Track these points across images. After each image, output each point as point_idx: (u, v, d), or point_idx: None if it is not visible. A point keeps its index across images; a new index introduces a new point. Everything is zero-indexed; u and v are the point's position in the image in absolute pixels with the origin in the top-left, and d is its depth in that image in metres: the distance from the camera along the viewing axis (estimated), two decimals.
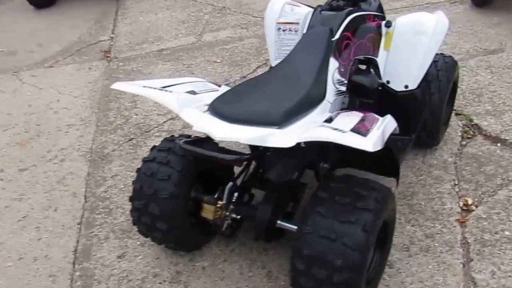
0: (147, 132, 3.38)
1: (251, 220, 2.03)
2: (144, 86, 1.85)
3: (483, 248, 2.20)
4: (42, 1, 5.97)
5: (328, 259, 1.64)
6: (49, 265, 2.39)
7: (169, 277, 2.24)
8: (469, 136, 2.93)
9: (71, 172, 3.06)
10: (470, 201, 2.46)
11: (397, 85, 2.34)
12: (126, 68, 4.37)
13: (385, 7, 4.76)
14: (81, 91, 4.03)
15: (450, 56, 2.68)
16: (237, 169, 2.21)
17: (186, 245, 2.27)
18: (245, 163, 2.20)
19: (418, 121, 2.43)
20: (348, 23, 2.17)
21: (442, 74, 2.51)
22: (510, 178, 2.57)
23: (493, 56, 3.69)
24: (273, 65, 2.55)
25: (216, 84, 2.13)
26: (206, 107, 1.85)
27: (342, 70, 2.15)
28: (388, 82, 2.35)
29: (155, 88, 1.85)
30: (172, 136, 2.27)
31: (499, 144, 2.82)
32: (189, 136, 2.13)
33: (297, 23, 2.47)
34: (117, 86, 1.85)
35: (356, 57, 2.25)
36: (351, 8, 2.25)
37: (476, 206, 2.44)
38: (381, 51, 2.33)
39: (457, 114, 3.12)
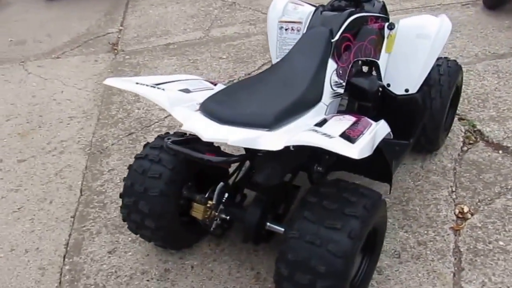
0: (147, 127, 3.38)
1: (240, 221, 2.01)
2: (137, 83, 1.83)
3: (475, 257, 2.16)
4: None
5: (312, 265, 1.61)
6: (40, 257, 2.39)
7: (157, 275, 2.23)
8: (470, 142, 2.88)
9: (69, 164, 3.07)
10: (466, 209, 2.41)
11: (398, 89, 2.30)
12: (132, 62, 4.37)
13: (396, 7, 4.75)
14: (85, 83, 4.04)
15: (454, 61, 2.63)
16: (232, 169, 2.20)
17: (176, 243, 2.26)
18: (238, 163, 2.18)
19: (417, 126, 2.39)
20: (349, 24, 2.13)
21: (445, 79, 2.46)
22: (509, 187, 2.52)
23: (502, 61, 3.62)
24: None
25: (212, 83, 2.10)
26: (198, 106, 1.83)
27: (341, 72, 2.11)
28: (388, 85, 2.31)
29: (147, 85, 1.82)
30: (168, 133, 2.25)
31: (500, 152, 2.76)
32: (183, 135, 2.11)
33: (299, 22, 2.43)
34: (109, 82, 1.83)
35: (356, 59, 2.20)
36: (353, 9, 2.21)
37: (472, 214, 2.39)
38: (383, 54, 2.29)
39: (460, 119, 3.07)
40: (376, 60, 2.27)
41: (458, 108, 3.12)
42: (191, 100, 1.84)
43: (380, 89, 2.31)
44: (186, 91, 1.89)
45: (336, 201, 1.70)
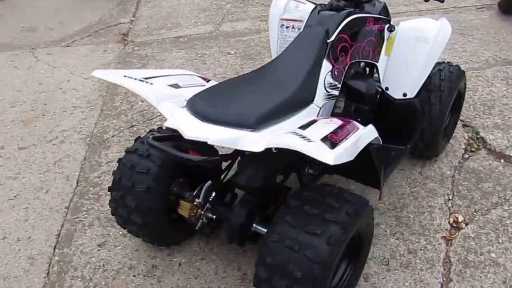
0: (149, 120, 3.37)
1: (226, 221, 1.99)
2: (125, 76, 1.80)
3: (465, 269, 2.11)
4: None
5: (289, 270, 1.59)
6: (31, 247, 2.41)
7: (144, 270, 2.22)
8: (472, 149, 2.82)
9: (68, 154, 3.08)
10: (460, 218, 2.37)
11: (396, 93, 2.26)
12: (141, 53, 4.36)
13: (409, 8, 4.67)
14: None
15: (457, 66, 2.57)
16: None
17: (163, 240, 2.25)
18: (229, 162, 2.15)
19: (415, 132, 2.34)
20: (346, 24, 2.08)
21: (445, 85, 2.40)
22: (507, 197, 2.46)
23: None
24: None
25: (205, 79, 2.07)
26: (186, 103, 1.80)
27: (336, 73, 2.06)
28: (387, 88, 2.27)
29: (135, 79, 1.80)
30: (160, 128, 2.24)
31: (502, 161, 2.70)
32: (174, 131, 2.07)
33: (300, 21, 2.39)
34: (97, 73, 1.81)
35: (353, 61, 2.16)
36: (351, 10, 2.16)
37: (466, 224, 2.34)
38: (382, 56, 2.25)
39: (464, 126, 3.01)
40: (375, 63, 2.22)
41: (463, 114, 3.07)
42: (179, 95, 1.81)
43: (380, 91, 2.27)
44: (176, 86, 1.86)
45: (318, 206, 1.66)
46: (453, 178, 2.62)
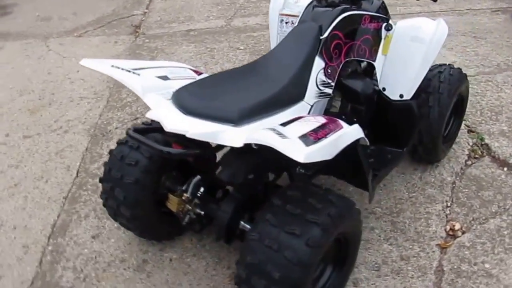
0: None
1: (214, 218, 1.97)
2: (112, 66, 1.77)
3: (457, 278, 2.06)
4: None
5: (268, 270, 1.56)
6: (26, 235, 2.43)
7: (134, 264, 2.23)
8: (476, 156, 2.76)
9: (71, 145, 3.10)
10: (457, 226, 2.31)
11: (392, 94, 2.21)
12: (151, 46, 4.37)
13: (423, 9, 4.59)
14: None
15: (458, 69, 2.51)
16: None
17: (153, 234, 2.25)
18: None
19: (411, 135, 2.29)
20: (340, 21, 2.02)
21: (444, 87, 2.34)
22: (507, 207, 2.40)
23: None
24: None
25: (197, 72, 2.03)
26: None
27: (329, 71, 2.02)
28: (384, 89, 2.23)
29: (122, 69, 1.77)
30: (153, 120, 2.23)
31: (505, 169, 2.63)
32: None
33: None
34: (84, 62, 1.78)
35: (349, 59, 2.12)
36: (347, 6, 2.10)
37: (463, 233, 2.28)
38: (379, 56, 2.20)
39: (469, 131, 2.94)
40: (372, 62, 2.18)
41: (468, 119, 3.02)
42: (167, 87, 1.78)
43: (377, 91, 2.23)
44: (164, 78, 1.83)
45: (300, 206, 1.63)
46: (454, 185, 2.57)
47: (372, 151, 2.36)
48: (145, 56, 4.20)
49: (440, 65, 2.49)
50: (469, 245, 2.22)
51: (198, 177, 1.98)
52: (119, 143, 2.08)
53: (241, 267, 1.65)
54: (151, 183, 2.01)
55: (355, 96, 2.15)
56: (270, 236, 1.60)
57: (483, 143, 2.83)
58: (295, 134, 1.47)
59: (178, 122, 1.59)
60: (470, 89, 3.24)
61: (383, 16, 2.22)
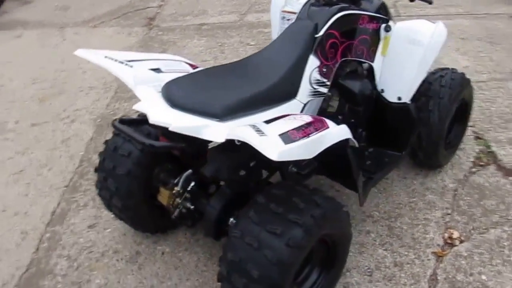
0: None
1: (203, 213, 1.97)
2: (106, 57, 1.77)
3: None
4: None
5: (247, 269, 1.56)
6: (26, 222, 2.48)
7: (127, 256, 2.25)
8: (481, 163, 2.71)
9: (76, 134, 3.15)
10: (456, 235, 2.27)
11: (390, 96, 2.20)
12: (163, 38, 4.40)
13: (439, 11, 4.52)
14: None
15: (461, 73, 2.46)
16: None
17: (146, 227, 2.26)
18: None
19: (409, 138, 2.26)
20: (336, 20, 2.00)
21: (445, 92, 2.30)
22: (509, 217, 2.35)
23: None
24: None
25: (192, 66, 2.01)
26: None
27: (325, 70, 1.99)
28: (382, 90, 2.21)
29: (115, 60, 1.77)
30: None
31: (510, 178, 2.58)
32: None
33: None
34: (79, 52, 1.80)
35: (345, 59, 2.09)
36: (345, 5, 2.07)
37: (461, 242, 2.25)
38: (378, 57, 2.18)
39: (476, 138, 2.89)
40: (371, 63, 2.16)
41: (476, 125, 2.97)
42: (159, 80, 1.77)
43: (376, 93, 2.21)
44: (158, 70, 1.83)
45: (283, 205, 1.61)
46: (455, 192, 2.53)
47: (369, 154, 2.34)
48: (156, 48, 4.22)
49: (443, 69, 2.46)
50: (467, 254, 2.18)
51: (190, 171, 1.98)
52: (115, 133, 2.10)
53: (223, 264, 1.65)
54: (143, 175, 2.02)
55: (352, 97, 2.13)
56: (252, 234, 1.58)
57: (489, 150, 2.78)
58: (276, 132, 1.45)
59: (162, 115, 1.58)
60: (480, 95, 3.22)
61: (382, 16, 2.19)
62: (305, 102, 1.94)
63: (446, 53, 3.69)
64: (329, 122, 1.63)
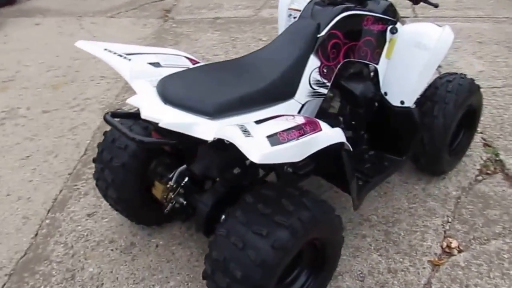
0: None
1: (196, 209, 1.96)
2: (105, 49, 1.78)
3: None
4: None
5: (230, 268, 1.55)
6: (28, 207, 2.53)
7: (122, 246, 2.28)
8: (488, 172, 2.65)
9: (84, 122, 3.19)
10: (454, 244, 2.22)
11: (394, 99, 2.16)
12: (177, 31, 4.42)
13: (458, 13, 4.44)
14: None
15: (470, 79, 2.41)
16: None
17: (141, 219, 2.28)
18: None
19: (411, 143, 2.23)
20: (340, 20, 1.96)
21: (451, 97, 2.26)
22: None
23: None
24: None
25: (193, 61, 1.99)
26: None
27: (325, 71, 1.97)
28: (385, 93, 2.17)
29: (114, 53, 1.77)
30: None
31: None
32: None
33: None
34: (79, 44, 1.81)
35: (348, 60, 2.06)
36: (350, 5, 2.03)
37: (459, 251, 2.19)
38: (383, 59, 2.14)
39: (485, 145, 2.84)
40: (375, 65, 2.13)
41: (486, 132, 2.91)
42: (157, 74, 1.76)
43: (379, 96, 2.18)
44: (156, 65, 1.81)
45: (271, 206, 1.60)
46: (458, 200, 2.48)
47: (369, 156, 2.31)
48: (169, 40, 4.25)
49: (451, 73, 2.41)
50: (464, 265, 2.14)
51: (184, 166, 1.98)
52: None
53: (208, 262, 1.66)
54: (138, 167, 2.03)
55: (353, 99, 2.10)
56: (237, 234, 1.57)
57: (497, 159, 2.73)
58: (264, 133, 1.43)
59: (154, 110, 1.57)
60: (493, 101, 3.15)
61: (389, 18, 2.14)
62: (303, 103, 1.91)
63: (462, 57, 3.62)
64: (322, 125, 1.60)
